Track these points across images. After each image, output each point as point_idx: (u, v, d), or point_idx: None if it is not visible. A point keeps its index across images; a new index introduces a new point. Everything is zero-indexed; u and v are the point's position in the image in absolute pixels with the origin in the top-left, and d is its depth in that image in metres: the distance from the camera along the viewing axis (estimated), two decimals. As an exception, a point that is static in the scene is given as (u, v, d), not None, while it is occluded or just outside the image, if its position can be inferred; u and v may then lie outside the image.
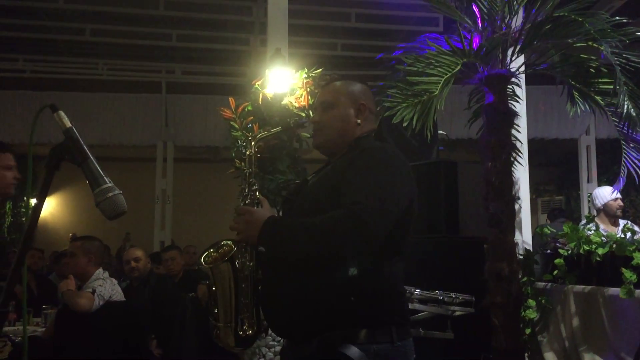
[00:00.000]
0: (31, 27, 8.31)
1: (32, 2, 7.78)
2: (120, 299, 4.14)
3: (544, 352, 3.90)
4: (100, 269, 4.15)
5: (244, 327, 1.92)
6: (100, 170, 1.39)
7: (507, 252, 3.68)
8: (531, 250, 4.34)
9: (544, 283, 4.03)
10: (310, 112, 4.42)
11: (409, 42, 4.01)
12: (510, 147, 3.77)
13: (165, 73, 9.60)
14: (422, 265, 4.03)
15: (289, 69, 4.83)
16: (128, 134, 9.44)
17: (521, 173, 4.70)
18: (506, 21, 3.78)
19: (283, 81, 4.74)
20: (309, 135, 4.46)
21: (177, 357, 5.24)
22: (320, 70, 4.86)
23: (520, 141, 4.02)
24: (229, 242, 1.99)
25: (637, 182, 3.85)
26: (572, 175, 10.67)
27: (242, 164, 4.61)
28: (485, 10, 3.76)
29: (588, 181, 9.44)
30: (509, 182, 3.74)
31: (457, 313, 3.47)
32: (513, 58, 3.81)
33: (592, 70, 3.72)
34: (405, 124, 3.41)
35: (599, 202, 5.01)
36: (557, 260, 3.88)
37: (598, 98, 3.77)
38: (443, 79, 3.45)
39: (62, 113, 1.41)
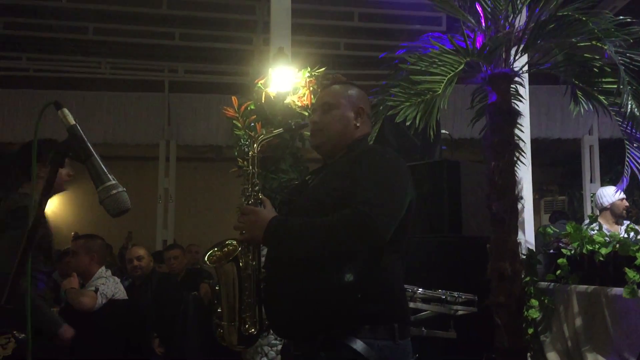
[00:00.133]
0: (34, 26, 8.32)
1: (36, 1, 7.79)
2: (122, 298, 4.15)
3: (546, 352, 3.90)
4: (103, 268, 4.16)
5: (247, 325, 1.92)
6: (104, 168, 1.40)
7: (510, 251, 3.68)
8: (534, 250, 4.34)
9: (546, 283, 4.03)
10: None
11: (412, 42, 4.00)
12: (513, 147, 3.77)
13: (168, 72, 9.61)
14: (424, 265, 4.03)
15: (292, 68, 4.83)
16: (131, 132, 9.45)
17: (524, 173, 4.68)
18: (510, 20, 3.77)
19: (286, 80, 4.74)
20: (311, 135, 4.46)
21: (180, 356, 5.25)
22: (323, 69, 4.86)
23: (523, 141, 4.01)
24: (233, 242, 2.00)
25: (641, 182, 3.85)
26: (575, 175, 10.65)
27: (245, 162, 4.62)
28: (488, 9, 3.76)
29: (591, 181, 9.43)
30: (512, 182, 3.74)
31: (460, 312, 3.47)
32: (516, 57, 3.81)
33: (595, 69, 3.71)
34: (408, 123, 3.41)
35: (606, 201, 5.03)
36: (560, 260, 3.88)
37: (601, 97, 3.76)
38: (446, 78, 3.44)
39: (66, 110, 1.42)
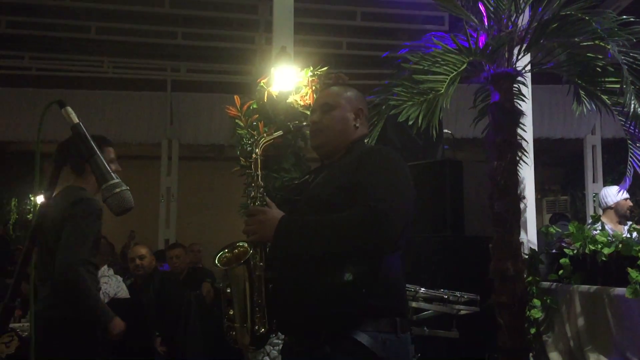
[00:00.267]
0: (37, 25, 8.33)
1: (38, 0, 7.80)
2: (125, 296, 4.15)
3: (548, 352, 3.89)
4: (105, 267, 4.17)
5: (257, 326, 1.94)
6: (107, 166, 1.40)
7: (512, 251, 3.67)
8: (536, 249, 4.33)
9: (549, 283, 4.02)
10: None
11: (415, 41, 4.00)
12: (515, 147, 3.76)
13: (170, 71, 9.61)
14: (427, 264, 4.03)
15: (295, 67, 4.83)
16: (133, 131, 9.45)
17: (526, 172, 4.68)
18: (512, 20, 3.76)
19: (288, 79, 4.74)
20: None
21: (182, 355, 5.25)
22: (325, 68, 4.86)
23: (525, 140, 4.00)
24: (244, 244, 2.00)
25: (643, 182, 3.85)
26: (577, 175, 10.64)
27: (247, 162, 4.62)
28: (491, 8, 3.75)
29: (593, 181, 9.41)
30: (515, 182, 3.73)
31: (462, 312, 3.47)
32: (519, 57, 3.80)
33: (598, 69, 3.70)
34: (410, 123, 3.41)
35: (611, 200, 5.04)
36: (562, 260, 3.87)
37: (604, 97, 3.75)
38: (449, 78, 3.44)
39: (69, 109, 1.42)
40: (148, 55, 9.25)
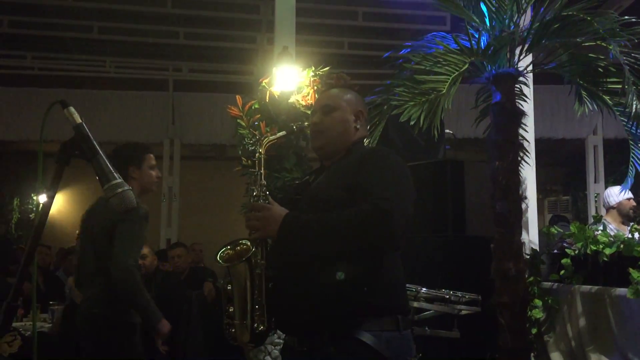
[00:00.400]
0: (39, 25, 8.33)
1: (40, 0, 7.81)
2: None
3: (550, 352, 3.89)
4: (107, 266, 4.16)
5: (256, 324, 1.94)
6: (110, 166, 1.41)
7: (513, 251, 3.68)
8: (538, 250, 4.33)
9: (550, 283, 4.02)
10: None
11: (417, 41, 4.00)
12: (517, 147, 3.76)
13: (172, 71, 9.61)
14: (428, 264, 4.03)
15: (296, 67, 4.83)
16: (135, 131, 9.44)
17: (528, 172, 4.68)
18: (514, 20, 3.76)
19: (290, 79, 4.75)
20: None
21: (183, 354, 5.26)
22: (327, 68, 4.86)
23: (527, 140, 4.00)
24: (247, 242, 2.00)
25: (645, 183, 3.85)
26: (579, 175, 10.62)
27: (249, 162, 4.63)
28: (493, 8, 3.75)
29: (595, 181, 9.39)
30: (516, 182, 3.73)
31: (464, 312, 3.47)
32: (521, 57, 3.80)
33: (600, 69, 3.70)
34: (412, 123, 3.41)
35: (613, 200, 5.05)
36: (564, 260, 3.87)
37: (606, 97, 3.75)
38: (450, 78, 3.44)
39: (72, 109, 1.43)
40: (150, 55, 9.25)
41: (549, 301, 3.92)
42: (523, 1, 3.73)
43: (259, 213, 1.93)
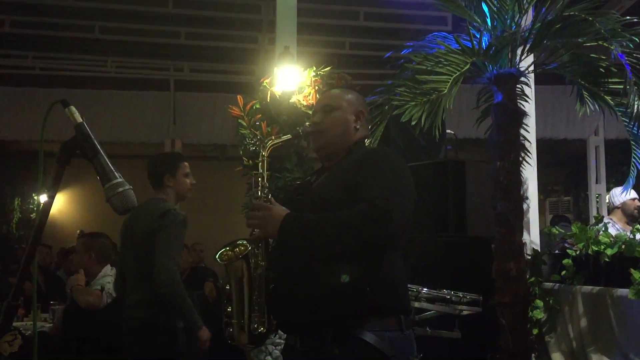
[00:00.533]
0: (40, 24, 8.33)
1: (42, 0, 7.81)
2: (127, 296, 4.16)
3: (551, 353, 3.89)
4: (108, 266, 4.18)
5: (256, 325, 1.94)
6: (110, 165, 1.40)
7: (515, 252, 3.67)
8: (539, 250, 4.33)
9: (551, 283, 4.02)
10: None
11: (418, 41, 3.99)
12: (518, 147, 3.76)
13: (173, 71, 9.61)
14: (429, 264, 4.03)
15: (297, 67, 4.84)
16: (136, 131, 9.45)
17: (529, 173, 4.67)
18: (516, 20, 3.76)
19: (291, 79, 4.75)
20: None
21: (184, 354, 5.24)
22: (328, 68, 4.86)
23: (528, 141, 4.00)
24: (245, 242, 2.01)
25: (647, 183, 3.84)
26: (580, 175, 10.61)
27: (250, 162, 4.63)
28: (495, 9, 3.75)
29: (596, 182, 9.38)
30: (517, 182, 3.73)
31: (465, 312, 3.47)
32: (522, 57, 3.80)
33: (602, 70, 3.69)
34: (413, 123, 3.41)
35: (618, 200, 5.06)
36: (565, 261, 3.86)
37: (608, 98, 3.75)
38: (452, 78, 3.44)
39: (73, 108, 1.42)
40: (151, 55, 9.25)
41: (550, 302, 3.92)
42: (525, 1, 3.72)
43: (260, 212, 1.93)
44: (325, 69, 4.83)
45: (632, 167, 3.86)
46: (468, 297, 3.47)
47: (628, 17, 3.55)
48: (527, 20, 3.82)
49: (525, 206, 3.87)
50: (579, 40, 3.59)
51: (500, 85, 3.76)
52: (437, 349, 3.52)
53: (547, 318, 3.97)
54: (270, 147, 2.11)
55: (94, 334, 3.88)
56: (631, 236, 3.67)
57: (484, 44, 3.65)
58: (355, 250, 1.83)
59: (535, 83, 4.71)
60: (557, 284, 3.96)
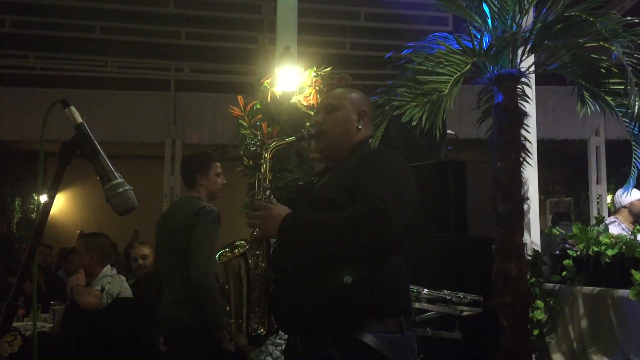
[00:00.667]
0: (41, 25, 8.35)
1: (42, 0, 7.82)
2: (128, 296, 4.16)
3: (551, 354, 3.89)
4: (108, 266, 4.18)
5: (255, 326, 1.93)
6: (111, 166, 1.40)
7: (515, 252, 3.67)
8: (539, 251, 4.33)
9: (552, 284, 4.02)
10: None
11: (419, 41, 3.99)
12: (519, 148, 3.75)
13: (174, 71, 9.63)
14: (430, 265, 4.02)
15: (298, 67, 4.83)
16: (136, 131, 9.47)
17: (530, 173, 4.67)
18: (517, 20, 3.75)
19: (292, 79, 4.75)
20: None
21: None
22: (329, 69, 4.86)
23: (529, 141, 3.99)
24: (243, 242, 2.01)
25: (648, 184, 3.84)
26: (581, 176, 10.62)
27: (251, 162, 4.63)
28: (495, 9, 3.74)
29: (597, 182, 9.39)
30: (518, 183, 3.73)
31: (465, 313, 3.46)
32: (523, 58, 3.79)
33: (602, 70, 3.69)
34: (414, 123, 3.41)
35: (626, 200, 5.07)
36: (565, 261, 3.86)
37: (609, 98, 3.75)
38: (452, 78, 3.43)
39: (73, 108, 1.42)
40: (152, 55, 9.27)
41: (551, 302, 3.92)
42: (525, 2, 3.72)
43: (260, 212, 1.93)
44: (326, 70, 4.83)
45: (632, 168, 3.86)
46: (468, 297, 3.47)
47: (629, 18, 3.55)
48: (528, 20, 3.82)
49: (525, 207, 3.87)
50: (580, 40, 3.59)
51: (501, 85, 3.75)
52: (437, 350, 3.52)
53: (547, 319, 3.97)
54: (273, 148, 2.10)
55: (94, 334, 3.88)
56: (632, 237, 3.67)
57: (484, 44, 3.64)
58: (355, 251, 1.82)
59: (536, 84, 4.71)
60: (558, 285, 3.96)
